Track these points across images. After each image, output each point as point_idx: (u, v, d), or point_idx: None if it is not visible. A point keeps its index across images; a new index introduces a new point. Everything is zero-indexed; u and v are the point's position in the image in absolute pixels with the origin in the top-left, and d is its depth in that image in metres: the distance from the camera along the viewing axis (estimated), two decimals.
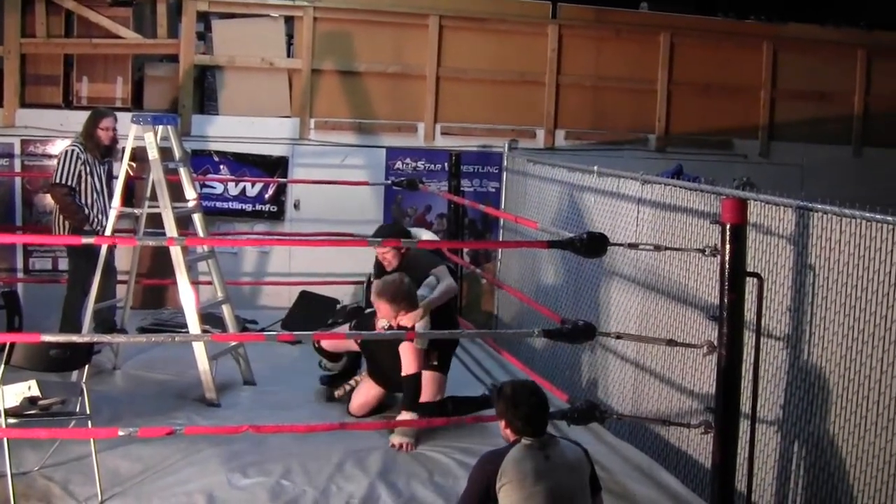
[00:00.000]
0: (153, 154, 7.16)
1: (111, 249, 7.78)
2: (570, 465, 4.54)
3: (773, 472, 5.68)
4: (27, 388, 5.42)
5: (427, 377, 6.52)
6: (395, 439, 6.18)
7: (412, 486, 5.57)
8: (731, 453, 5.29)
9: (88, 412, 5.51)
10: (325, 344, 7.16)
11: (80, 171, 7.71)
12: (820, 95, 11.69)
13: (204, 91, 10.26)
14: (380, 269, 7.14)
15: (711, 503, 5.33)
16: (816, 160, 11.42)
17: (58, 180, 7.69)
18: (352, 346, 7.02)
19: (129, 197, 8.00)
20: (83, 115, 8.07)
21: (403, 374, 6.44)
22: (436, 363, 6.70)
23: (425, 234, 7.47)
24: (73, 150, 7.74)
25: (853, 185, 9.84)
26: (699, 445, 6.24)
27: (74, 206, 7.68)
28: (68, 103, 9.87)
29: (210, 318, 7.92)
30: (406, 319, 6.41)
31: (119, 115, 8.11)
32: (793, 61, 11.62)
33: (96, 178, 7.83)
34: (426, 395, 6.50)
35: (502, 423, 4.63)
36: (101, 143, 7.84)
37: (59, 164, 7.76)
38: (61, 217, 7.80)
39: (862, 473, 5.05)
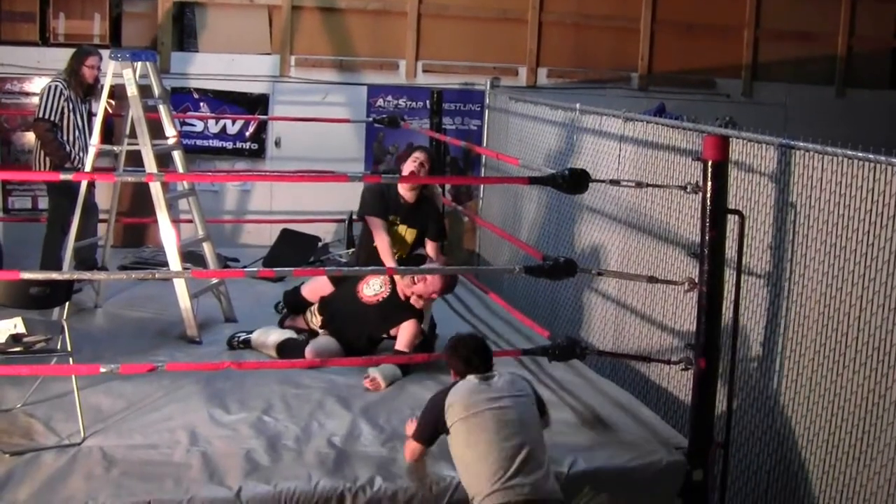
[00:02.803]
0: (132, 91, 7.08)
1: (92, 188, 7.73)
2: (515, 392, 4.84)
3: (752, 408, 5.73)
4: (13, 326, 5.39)
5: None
6: (372, 372, 6.22)
7: (393, 422, 5.59)
8: (710, 390, 5.33)
9: (70, 349, 5.50)
10: (307, 293, 7.14)
11: (62, 108, 7.65)
12: (804, 36, 11.67)
13: (183, 28, 10.14)
14: (392, 199, 7.02)
15: (690, 439, 5.38)
16: (799, 101, 11.42)
17: (41, 115, 7.63)
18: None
19: (108, 135, 7.93)
20: (61, 53, 8.00)
21: (401, 348, 6.50)
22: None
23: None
24: (56, 86, 7.67)
25: (836, 125, 9.86)
26: (679, 382, 6.29)
27: (56, 143, 7.63)
28: (45, 40, 9.73)
29: (191, 257, 7.89)
30: (419, 289, 6.52)
31: None
32: (777, 1, 11.55)
33: (78, 116, 7.78)
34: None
35: (452, 373, 5.04)
36: (84, 82, 7.78)
37: (42, 99, 7.70)
38: (42, 153, 7.74)
39: (840, 409, 5.09)
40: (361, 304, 6.69)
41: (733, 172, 5.59)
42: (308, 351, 6.51)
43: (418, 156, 7.03)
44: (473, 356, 4.93)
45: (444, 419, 4.73)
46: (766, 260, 5.63)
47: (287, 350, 6.57)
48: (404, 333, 6.51)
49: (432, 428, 4.85)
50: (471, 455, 4.60)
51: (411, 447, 4.99)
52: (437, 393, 4.96)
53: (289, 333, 6.82)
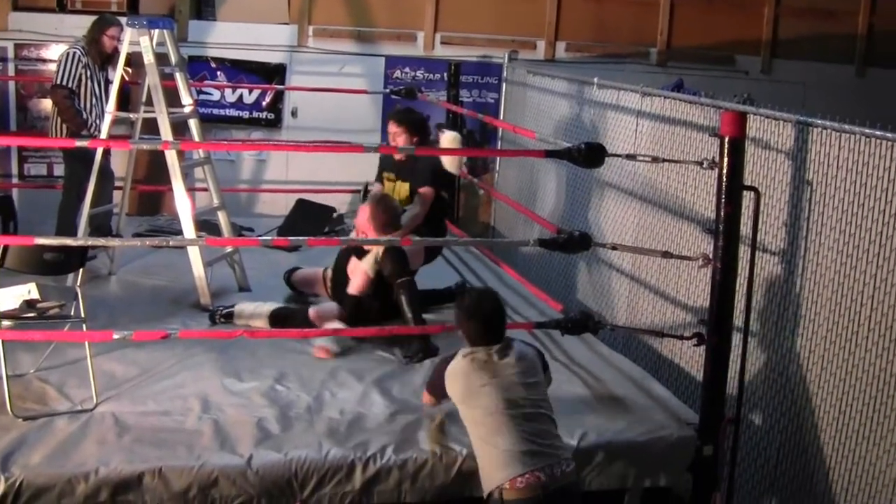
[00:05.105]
0: (149, 58, 7.08)
1: (108, 154, 7.75)
2: (520, 361, 4.72)
3: (764, 385, 5.72)
4: (27, 292, 5.42)
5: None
6: (318, 342, 6.21)
7: (405, 393, 5.61)
8: (722, 366, 5.33)
9: (83, 316, 5.52)
10: (298, 283, 7.25)
11: (80, 75, 7.66)
12: (824, 13, 11.54)
13: None
14: (385, 160, 7.34)
15: (701, 415, 5.38)
16: (819, 79, 11.31)
17: (58, 82, 7.64)
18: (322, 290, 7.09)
19: (125, 102, 7.94)
20: (78, 20, 7.99)
21: (349, 291, 6.50)
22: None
23: (448, 138, 7.42)
24: (74, 53, 7.68)
25: (855, 104, 9.76)
26: (691, 358, 6.28)
27: (73, 110, 7.64)
28: (62, 7, 9.72)
29: (206, 225, 7.91)
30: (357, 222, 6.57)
31: None
32: None
33: (96, 83, 7.78)
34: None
35: (461, 332, 4.84)
36: (104, 51, 7.79)
37: (59, 66, 7.70)
38: (59, 121, 7.76)
39: (851, 387, 5.08)
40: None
41: (750, 149, 5.56)
42: (311, 311, 6.52)
43: (389, 127, 7.29)
44: (489, 327, 4.75)
45: (447, 392, 4.77)
46: (780, 237, 5.61)
47: (282, 319, 6.56)
48: (353, 276, 6.51)
49: (441, 390, 4.86)
50: (480, 437, 4.56)
51: (427, 396, 5.12)
52: (442, 361, 4.91)
53: (278, 304, 6.82)
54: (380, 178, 7.37)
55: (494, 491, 4.44)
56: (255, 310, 6.66)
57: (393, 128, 7.23)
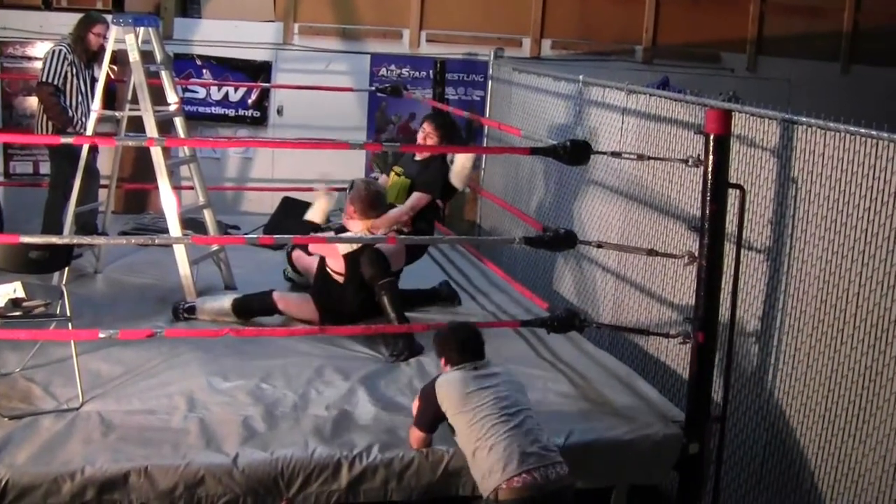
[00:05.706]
0: (134, 56, 7.06)
1: (94, 152, 7.72)
2: (503, 375, 4.83)
3: (750, 383, 5.74)
4: (12, 291, 5.40)
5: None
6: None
7: (391, 391, 5.61)
8: (708, 364, 5.34)
9: (69, 314, 5.51)
10: (297, 264, 7.28)
11: (66, 72, 7.64)
12: (810, 10, 11.58)
13: None
14: (401, 154, 7.57)
15: (687, 413, 5.39)
16: (804, 76, 11.36)
17: (44, 79, 7.62)
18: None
19: (111, 100, 7.91)
20: (64, 17, 7.96)
21: (330, 268, 6.49)
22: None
23: (461, 159, 7.44)
24: (60, 50, 7.65)
25: (841, 102, 9.80)
26: (677, 356, 6.29)
27: (59, 107, 7.62)
28: (48, 4, 9.68)
29: (192, 223, 7.86)
30: (351, 224, 6.60)
31: None
32: None
33: (81, 81, 7.76)
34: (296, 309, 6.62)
35: (442, 361, 4.93)
36: (90, 49, 7.76)
37: (45, 63, 7.68)
38: (45, 118, 7.74)
39: (836, 385, 5.10)
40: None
41: (735, 146, 5.57)
42: (276, 295, 6.56)
43: (424, 127, 7.40)
44: (467, 347, 4.85)
45: (441, 412, 4.71)
46: (766, 235, 5.63)
47: (247, 308, 6.57)
48: (321, 248, 6.56)
49: (431, 416, 4.78)
50: (475, 443, 4.53)
51: (415, 435, 4.89)
52: (427, 385, 4.89)
53: (236, 294, 6.80)
54: (388, 171, 7.54)
55: (490, 494, 4.43)
56: (215, 303, 6.66)
57: (428, 127, 7.38)
